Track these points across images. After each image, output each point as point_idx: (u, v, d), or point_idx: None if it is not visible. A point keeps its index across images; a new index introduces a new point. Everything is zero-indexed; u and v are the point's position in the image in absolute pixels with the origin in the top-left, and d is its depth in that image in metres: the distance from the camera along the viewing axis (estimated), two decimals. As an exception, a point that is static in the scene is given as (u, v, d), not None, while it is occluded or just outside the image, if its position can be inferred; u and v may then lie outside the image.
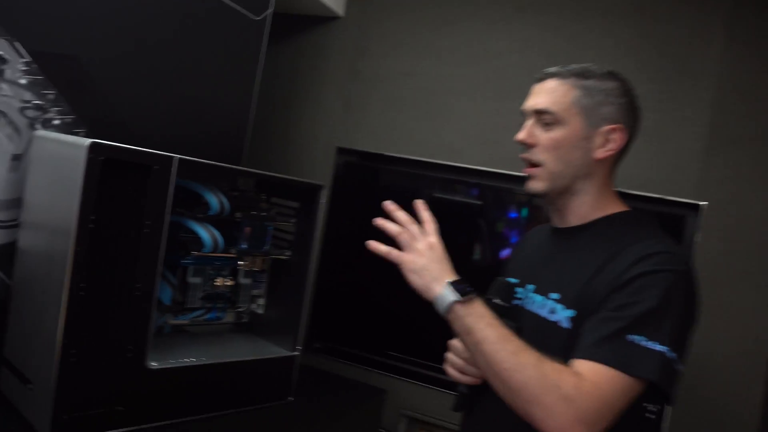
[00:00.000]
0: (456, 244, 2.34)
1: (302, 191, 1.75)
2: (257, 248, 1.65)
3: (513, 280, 1.24)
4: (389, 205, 1.15)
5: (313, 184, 1.71)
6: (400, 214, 1.13)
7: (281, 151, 2.66)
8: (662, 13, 2.13)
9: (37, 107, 1.47)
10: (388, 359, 2.43)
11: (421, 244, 1.10)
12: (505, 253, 2.36)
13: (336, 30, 2.63)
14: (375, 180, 2.59)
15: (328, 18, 2.62)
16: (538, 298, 1.18)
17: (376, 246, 1.12)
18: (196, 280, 1.61)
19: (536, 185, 1.19)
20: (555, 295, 1.14)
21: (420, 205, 1.15)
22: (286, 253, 1.75)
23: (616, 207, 1.19)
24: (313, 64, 2.65)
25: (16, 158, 1.45)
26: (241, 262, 1.64)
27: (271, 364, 1.67)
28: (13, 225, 1.46)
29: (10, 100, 1.42)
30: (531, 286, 1.21)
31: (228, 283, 1.67)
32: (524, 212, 2.35)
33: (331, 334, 2.54)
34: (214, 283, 1.64)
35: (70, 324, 1.25)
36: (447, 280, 1.05)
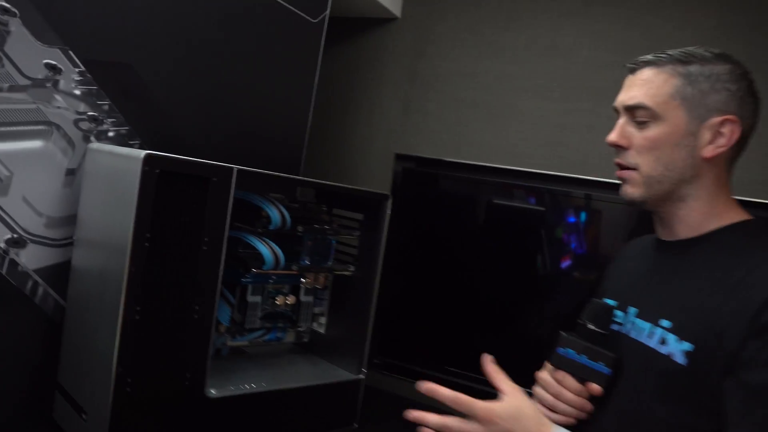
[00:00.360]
0: (523, 253, 2.21)
1: (366, 202, 1.64)
2: (320, 264, 1.55)
3: (611, 302, 1.09)
4: (411, 415, 0.98)
5: (379, 194, 1.59)
6: (431, 418, 0.95)
7: (337, 159, 2.56)
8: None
9: (92, 119, 1.40)
10: (455, 377, 2.29)
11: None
12: (567, 264, 2.19)
13: (392, 31, 2.52)
14: (435, 187, 2.46)
15: (384, 19, 2.51)
16: (645, 324, 1.01)
17: None
18: (256, 298, 1.51)
19: (631, 191, 1.03)
20: (666, 323, 0.97)
21: (427, 389, 0.98)
22: (350, 269, 1.64)
23: (736, 215, 1.01)
24: (369, 67, 2.55)
25: (71, 173, 1.38)
26: (304, 279, 1.53)
27: (336, 388, 1.56)
28: (68, 243, 1.38)
29: (65, 112, 1.35)
30: (633, 310, 1.06)
31: (289, 302, 1.56)
32: (587, 218, 2.18)
33: (391, 350, 2.41)
34: (275, 302, 1.54)
35: (124, 350, 1.16)
36: None
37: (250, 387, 1.39)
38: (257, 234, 1.44)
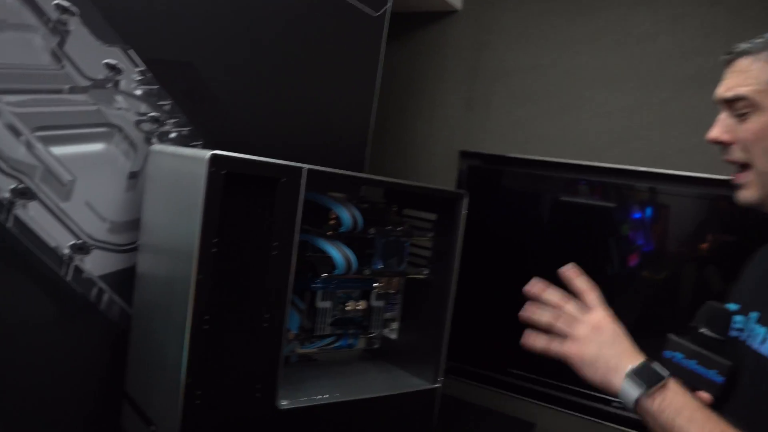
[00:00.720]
0: (595, 251, 2.07)
1: (439, 201, 1.54)
2: (393, 267, 1.46)
3: (733, 307, 0.97)
4: (534, 287, 0.96)
5: (454, 192, 1.50)
6: (550, 294, 0.94)
7: (400, 158, 2.47)
8: None
9: (153, 120, 1.35)
10: (517, 380, 2.16)
11: (584, 328, 0.90)
12: (639, 262, 2.05)
13: (453, 24, 2.42)
14: (503, 185, 2.35)
15: (444, 12, 2.41)
16: (761, 329, 0.90)
17: (532, 342, 0.93)
18: (326, 304, 1.43)
19: (746, 194, 0.94)
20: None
21: (570, 272, 0.97)
22: (424, 272, 1.54)
23: None
24: (430, 62, 2.45)
25: (133, 176, 1.33)
26: (376, 284, 1.45)
27: (411, 398, 1.47)
28: (133, 249, 1.34)
29: (126, 113, 1.30)
30: (755, 315, 0.94)
31: (360, 307, 1.48)
32: (664, 215, 2.03)
33: (463, 354, 2.30)
34: (345, 308, 1.46)
35: (193, 361, 1.10)
36: (628, 368, 0.85)
37: (322, 397, 1.31)
38: (327, 237, 1.36)
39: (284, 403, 1.24)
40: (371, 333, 1.55)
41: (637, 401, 0.83)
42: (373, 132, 2.01)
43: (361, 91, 1.85)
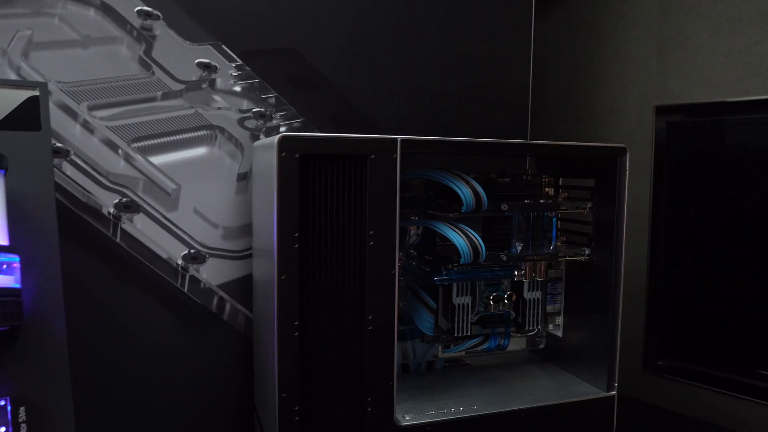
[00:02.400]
0: None
1: (595, 163, 1.24)
2: (540, 249, 1.19)
3: None
4: None
5: (611, 148, 1.18)
6: None
7: (574, 124, 2.14)
8: None
9: (258, 115, 1.27)
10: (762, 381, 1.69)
11: None
12: None
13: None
14: (715, 141, 1.88)
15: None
16: None
17: None
18: (464, 299, 1.22)
19: None
20: None
21: None
22: (584, 252, 1.25)
23: None
24: (603, 5, 2.08)
25: (242, 178, 1.26)
26: (516, 272, 1.20)
27: (575, 410, 1.18)
28: (249, 254, 1.27)
29: (227, 112, 1.24)
30: None
31: (507, 301, 1.24)
32: None
33: (680, 349, 1.89)
34: (490, 302, 1.23)
35: (286, 374, 0.97)
36: None
37: (452, 411, 1.10)
38: (449, 220, 1.16)
39: (406, 418, 1.06)
40: (530, 331, 1.30)
41: None
42: (538, 99, 1.73)
43: (514, 54, 1.59)
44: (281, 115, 1.29)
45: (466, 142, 1.09)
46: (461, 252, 1.11)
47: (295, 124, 1.31)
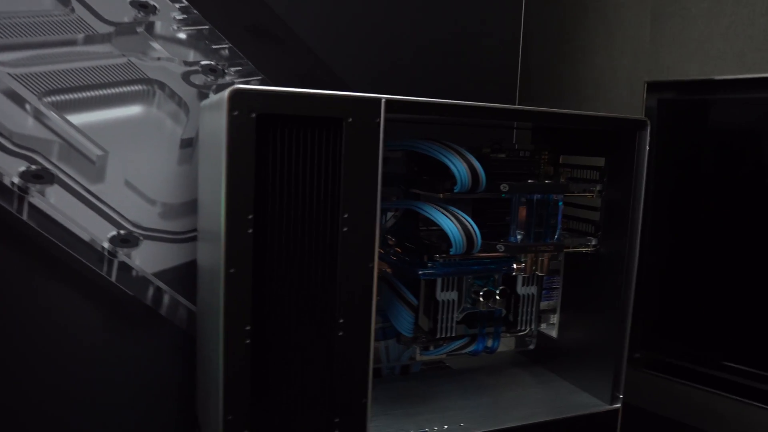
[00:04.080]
0: None
1: (607, 138, 1.06)
2: (543, 238, 1.01)
3: None
4: None
5: (630, 120, 1.00)
6: None
7: (557, 98, 1.96)
8: None
9: (208, 70, 1.05)
10: (736, 375, 1.56)
11: None
12: None
13: None
14: (711, 120, 1.73)
15: None
16: None
17: None
18: (450, 295, 1.03)
19: None
20: None
21: None
22: (590, 242, 1.08)
23: None
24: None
25: (187, 144, 1.04)
26: (515, 265, 1.01)
27: (575, 426, 1.02)
28: (193, 237, 1.05)
29: (168, 64, 1.01)
30: None
31: (499, 297, 1.05)
32: None
33: (659, 341, 1.74)
34: (479, 298, 1.05)
35: (232, 390, 0.77)
36: None
37: (434, 430, 0.92)
38: (439, 203, 0.96)
39: (383, 442, 0.88)
40: (522, 330, 1.12)
41: None
42: (526, 69, 1.55)
43: (501, 17, 1.39)
44: (236, 71, 1.07)
45: (467, 106, 0.88)
46: (452, 240, 0.91)
47: (253, 83, 1.09)
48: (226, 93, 0.74)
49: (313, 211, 0.80)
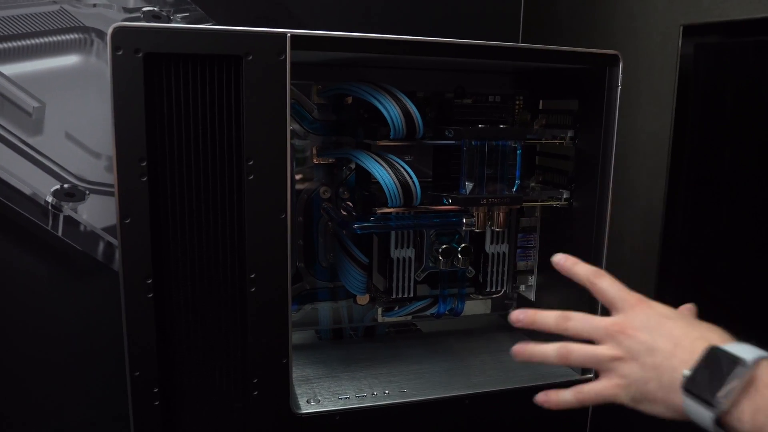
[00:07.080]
0: None
1: (582, 78, 0.95)
2: (496, 192, 0.91)
3: None
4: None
5: (597, 55, 0.89)
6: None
7: (577, 43, 1.80)
8: None
9: (151, 16, 1.00)
10: None
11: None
12: None
13: None
14: (758, 70, 1.53)
15: None
16: None
17: None
18: (406, 252, 0.96)
19: None
20: None
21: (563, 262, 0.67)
22: (561, 196, 0.97)
23: None
24: None
25: (131, 94, 1.00)
26: (465, 219, 0.92)
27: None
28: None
29: (106, 11, 0.97)
30: None
31: (462, 255, 0.97)
32: None
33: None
34: (438, 257, 0.97)
35: (136, 344, 0.74)
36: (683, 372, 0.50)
37: (373, 395, 0.86)
38: (384, 153, 0.88)
39: (310, 404, 0.83)
40: (494, 292, 1.03)
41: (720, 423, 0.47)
42: (528, 7, 1.41)
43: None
44: (183, 17, 1.02)
45: (390, 40, 0.80)
46: (386, 192, 0.84)
47: (205, 30, 1.03)
48: (109, 30, 0.69)
49: (216, 159, 0.75)
